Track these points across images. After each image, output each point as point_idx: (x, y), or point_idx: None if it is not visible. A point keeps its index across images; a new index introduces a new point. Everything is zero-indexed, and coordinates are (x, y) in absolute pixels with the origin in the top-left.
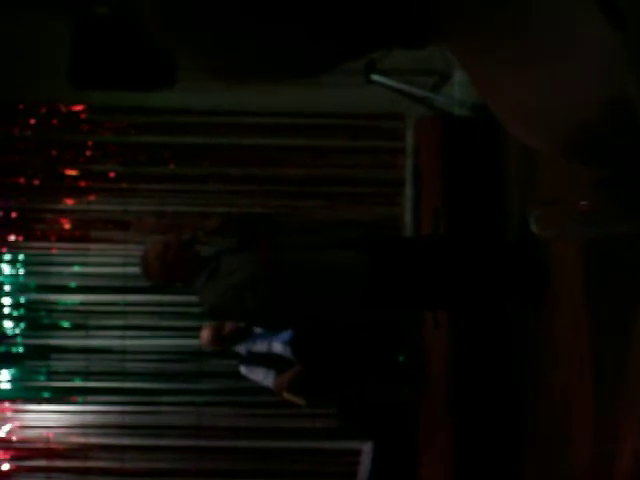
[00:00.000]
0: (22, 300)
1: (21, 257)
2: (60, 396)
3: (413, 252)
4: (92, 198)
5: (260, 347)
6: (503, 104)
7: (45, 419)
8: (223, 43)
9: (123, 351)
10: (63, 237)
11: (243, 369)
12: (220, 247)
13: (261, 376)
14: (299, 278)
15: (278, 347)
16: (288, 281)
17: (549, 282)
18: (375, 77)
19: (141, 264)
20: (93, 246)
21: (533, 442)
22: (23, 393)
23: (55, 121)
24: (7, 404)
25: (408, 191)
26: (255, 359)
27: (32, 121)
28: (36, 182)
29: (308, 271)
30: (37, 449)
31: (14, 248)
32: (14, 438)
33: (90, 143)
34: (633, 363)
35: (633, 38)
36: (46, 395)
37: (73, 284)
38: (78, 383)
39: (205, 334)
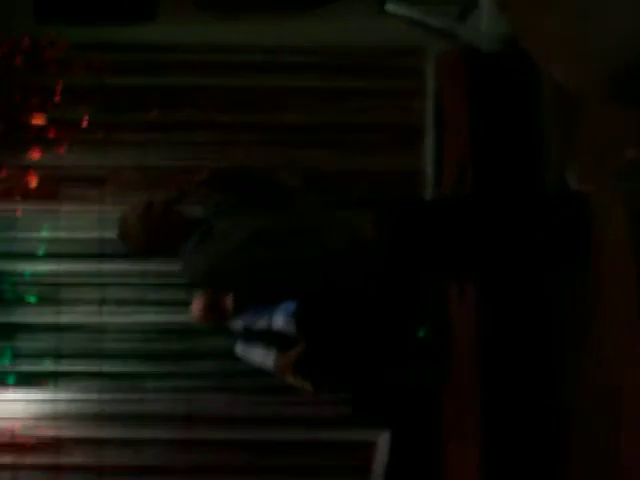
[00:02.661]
0: None
1: None
2: (28, 382)
3: (439, 215)
4: (62, 150)
5: (260, 323)
6: (545, 38)
7: (10, 409)
8: None
9: (100, 329)
10: (29, 196)
11: (239, 349)
12: (212, 205)
13: (261, 357)
14: (313, 243)
15: (279, 321)
16: (301, 246)
17: (591, 238)
18: (390, 6)
19: (119, 230)
20: (64, 206)
21: (575, 425)
22: None
23: (18, 60)
24: None
25: (429, 139)
26: (253, 336)
27: None
28: None
29: (323, 235)
30: (1, 444)
31: None
32: None
33: (59, 86)
34: None
35: None
36: (11, 381)
37: (41, 251)
38: (48, 366)
39: (196, 308)
